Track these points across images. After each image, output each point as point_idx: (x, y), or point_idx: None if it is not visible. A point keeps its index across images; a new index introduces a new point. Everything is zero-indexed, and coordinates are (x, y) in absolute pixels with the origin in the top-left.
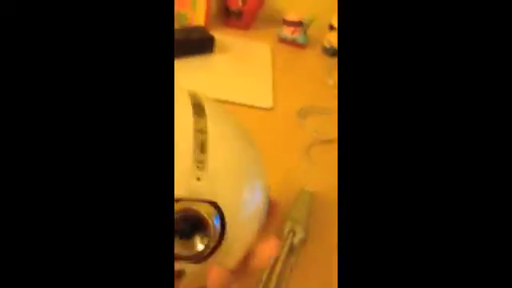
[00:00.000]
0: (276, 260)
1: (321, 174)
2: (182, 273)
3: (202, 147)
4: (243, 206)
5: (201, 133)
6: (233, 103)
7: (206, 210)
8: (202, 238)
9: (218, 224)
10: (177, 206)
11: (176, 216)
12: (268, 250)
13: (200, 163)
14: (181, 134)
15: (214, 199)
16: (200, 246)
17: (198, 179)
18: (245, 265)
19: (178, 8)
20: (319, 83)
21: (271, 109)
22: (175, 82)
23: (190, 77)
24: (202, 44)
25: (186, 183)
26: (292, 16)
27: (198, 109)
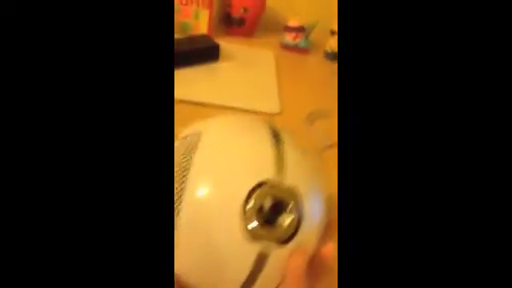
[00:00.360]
0: None
1: (332, 179)
2: (264, 257)
3: (277, 142)
4: (316, 200)
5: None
6: (240, 109)
7: (288, 194)
8: (283, 221)
9: (298, 207)
10: (264, 189)
11: (260, 197)
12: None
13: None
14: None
15: (295, 185)
16: (283, 225)
17: (280, 166)
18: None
19: (181, 17)
20: (324, 87)
21: (278, 114)
22: (185, 93)
23: (197, 85)
24: (207, 52)
25: (268, 172)
26: (293, 22)
27: (275, 133)
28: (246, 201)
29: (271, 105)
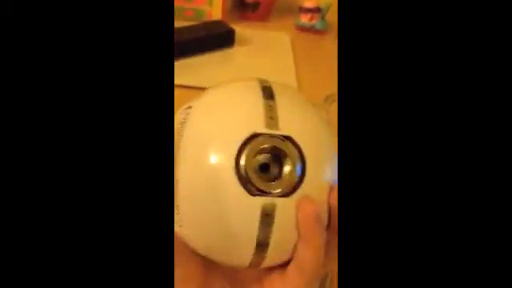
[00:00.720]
0: None
1: None
2: (270, 210)
3: (270, 95)
4: (321, 148)
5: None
6: None
7: (284, 145)
8: (283, 172)
9: (299, 156)
10: (257, 141)
11: (253, 150)
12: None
13: (270, 106)
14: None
15: (290, 134)
16: (283, 177)
17: (271, 118)
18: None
19: (194, 4)
20: None
21: None
22: (201, 79)
23: (213, 71)
24: (222, 38)
25: (259, 125)
26: (309, 3)
27: (266, 87)
28: (238, 155)
29: None
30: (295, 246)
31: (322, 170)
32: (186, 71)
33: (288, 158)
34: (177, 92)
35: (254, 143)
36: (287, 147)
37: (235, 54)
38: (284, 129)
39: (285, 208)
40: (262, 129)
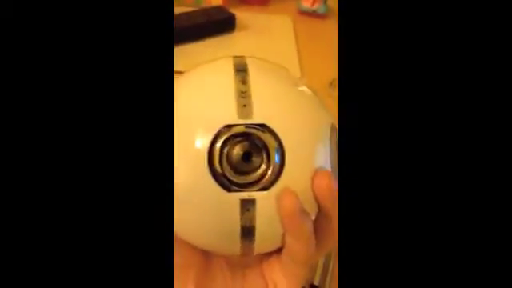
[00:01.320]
0: None
1: None
2: (250, 204)
3: (243, 81)
4: (299, 129)
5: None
6: None
7: (260, 134)
8: (259, 164)
9: (277, 145)
10: (229, 134)
11: (231, 144)
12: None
13: (243, 93)
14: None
15: (265, 122)
16: (259, 170)
17: (244, 106)
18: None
19: None
20: None
21: None
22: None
23: (213, 57)
24: (223, 23)
25: (233, 111)
26: None
27: (240, 69)
28: (210, 152)
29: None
30: (283, 235)
31: (305, 157)
32: (185, 57)
33: (264, 149)
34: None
35: (226, 136)
36: (263, 136)
37: (236, 39)
38: (259, 116)
39: (265, 201)
40: (234, 119)
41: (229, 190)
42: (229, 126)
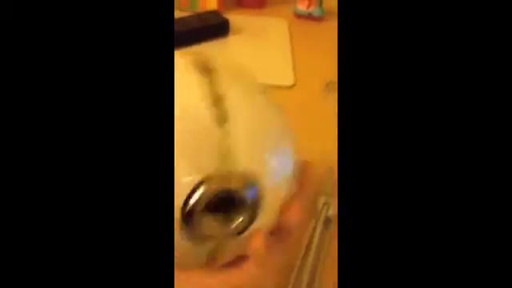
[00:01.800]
0: (313, 233)
1: None
2: (219, 248)
3: (220, 118)
4: (279, 174)
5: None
6: None
7: (235, 184)
8: (237, 212)
9: (252, 195)
10: (206, 186)
11: (206, 196)
12: (294, 214)
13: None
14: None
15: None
16: (237, 220)
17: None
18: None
19: None
20: None
21: (293, 86)
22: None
23: None
24: (216, 28)
25: (207, 166)
26: None
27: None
28: (186, 203)
29: (285, 77)
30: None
31: (278, 196)
32: None
33: (243, 200)
34: None
35: (202, 189)
36: (240, 187)
37: (230, 42)
38: (240, 164)
39: (234, 243)
40: (211, 169)
41: (199, 241)
42: (207, 179)
